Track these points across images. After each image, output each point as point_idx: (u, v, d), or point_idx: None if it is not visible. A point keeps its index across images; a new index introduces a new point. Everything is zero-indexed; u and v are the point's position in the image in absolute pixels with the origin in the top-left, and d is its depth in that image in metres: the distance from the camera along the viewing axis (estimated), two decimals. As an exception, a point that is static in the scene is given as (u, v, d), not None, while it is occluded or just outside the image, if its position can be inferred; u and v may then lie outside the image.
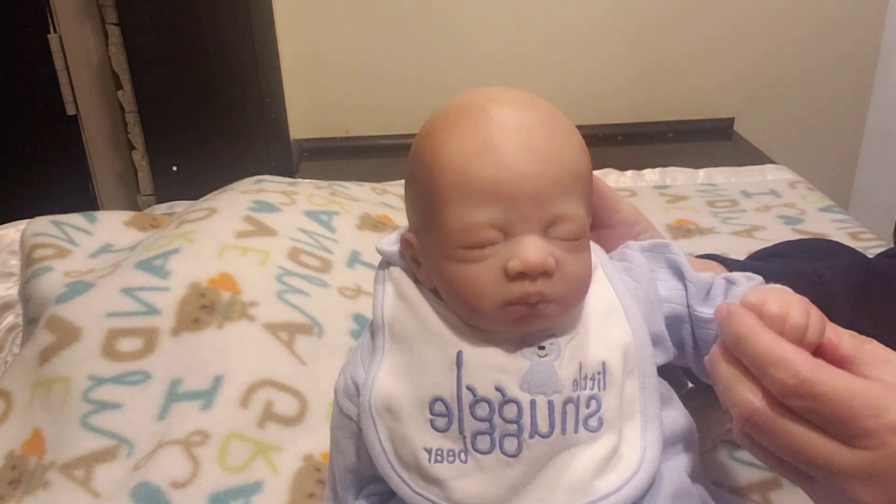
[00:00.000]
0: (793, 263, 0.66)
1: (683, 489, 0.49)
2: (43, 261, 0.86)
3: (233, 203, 0.95)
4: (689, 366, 0.54)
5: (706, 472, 0.56)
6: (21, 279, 0.91)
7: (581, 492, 0.46)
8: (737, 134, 1.85)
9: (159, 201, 1.48)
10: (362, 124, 1.82)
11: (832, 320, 0.45)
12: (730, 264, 0.62)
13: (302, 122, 1.80)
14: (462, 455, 0.46)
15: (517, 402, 0.46)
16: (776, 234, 1.11)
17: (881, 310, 0.61)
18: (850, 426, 0.39)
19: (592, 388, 0.47)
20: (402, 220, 1.02)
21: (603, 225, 0.61)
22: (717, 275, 0.53)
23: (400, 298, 0.51)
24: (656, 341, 0.51)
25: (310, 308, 0.81)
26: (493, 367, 0.46)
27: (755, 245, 0.90)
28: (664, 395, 0.51)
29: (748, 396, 0.42)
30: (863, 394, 0.39)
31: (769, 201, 1.26)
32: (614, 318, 0.50)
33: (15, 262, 0.99)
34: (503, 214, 0.45)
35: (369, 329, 0.53)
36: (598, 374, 0.48)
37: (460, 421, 0.46)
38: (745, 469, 0.64)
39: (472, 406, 0.46)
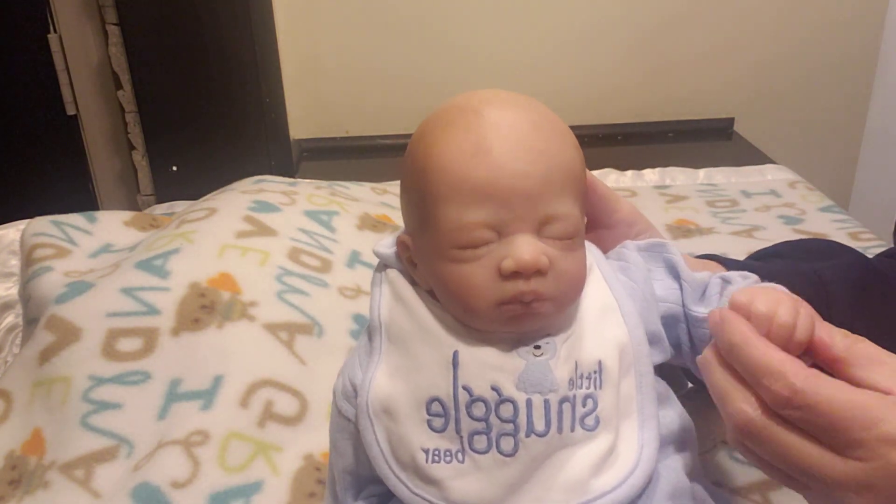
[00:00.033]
0: (793, 264, 0.66)
1: (681, 488, 0.49)
2: (43, 261, 0.86)
3: (233, 203, 0.95)
4: (687, 365, 0.55)
5: (706, 472, 0.56)
6: (21, 279, 0.91)
7: (578, 491, 0.46)
8: (737, 134, 1.85)
9: (159, 201, 1.48)
10: (362, 124, 1.82)
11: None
12: (729, 265, 0.62)
13: (302, 122, 1.80)
14: (459, 455, 0.46)
15: (513, 402, 0.46)
16: (776, 234, 1.11)
17: (881, 310, 0.61)
18: (844, 437, 0.39)
19: (589, 387, 0.47)
20: (401, 220, 1.02)
21: (602, 225, 0.61)
22: (713, 274, 0.53)
23: (396, 300, 0.51)
24: (653, 340, 0.51)
25: (310, 308, 0.81)
26: (489, 367, 0.47)
27: (755, 245, 0.90)
28: (662, 395, 0.51)
29: (742, 406, 0.42)
30: (856, 405, 0.39)
31: (769, 201, 1.26)
32: (610, 317, 0.50)
33: (15, 262, 0.99)
34: (497, 214, 0.45)
35: (367, 331, 0.53)
36: (595, 372, 0.48)
37: (457, 421, 0.46)
38: (745, 469, 0.64)
39: (468, 406, 0.46)
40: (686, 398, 0.54)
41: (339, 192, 1.09)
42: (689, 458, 0.51)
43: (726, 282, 0.52)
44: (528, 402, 0.46)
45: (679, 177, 1.40)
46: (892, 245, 0.86)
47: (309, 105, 1.81)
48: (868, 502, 0.38)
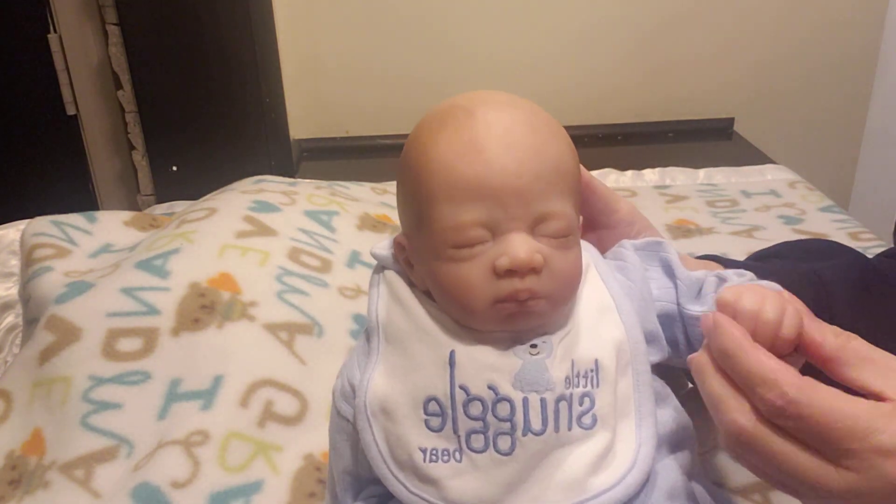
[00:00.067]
0: (792, 264, 0.66)
1: (679, 488, 0.49)
2: (43, 261, 0.86)
3: (233, 203, 0.95)
4: (684, 364, 0.55)
5: (706, 472, 0.56)
6: (21, 279, 0.91)
7: (576, 489, 0.46)
8: (737, 134, 1.85)
9: (159, 201, 1.48)
10: (362, 124, 1.82)
11: (833, 320, 0.45)
12: (730, 265, 0.62)
13: (302, 122, 1.80)
14: (457, 454, 0.47)
15: (510, 401, 0.46)
16: (776, 234, 1.11)
17: (881, 310, 0.61)
18: (836, 447, 0.39)
19: (585, 386, 0.47)
20: (402, 220, 1.02)
21: (602, 225, 0.61)
22: (709, 272, 0.53)
23: (394, 301, 0.52)
24: (650, 339, 0.51)
25: (310, 308, 0.81)
26: (485, 366, 0.47)
27: (755, 245, 0.90)
28: (661, 394, 0.51)
29: (735, 416, 0.41)
30: (848, 416, 0.39)
31: (769, 201, 1.26)
32: (607, 316, 0.50)
33: (15, 262, 0.99)
34: (490, 213, 0.46)
35: (365, 332, 0.53)
36: (591, 371, 0.48)
37: (454, 420, 0.47)
38: (745, 469, 0.64)
39: (465, 405, 0.46)
40: (686, 398, 0.54)
41: (339, 192, 1.09)
42: (688, 458, 0.51)
43: (722, 280, 0.52)
44: (525, 401, 0.46)
45: (679, 177, 1.40)
46: (892, 245, 0.86)
47: (309, 105, 1.81)
48: None
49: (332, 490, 0.55)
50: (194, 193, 1.12)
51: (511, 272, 0.45)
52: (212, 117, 1.61)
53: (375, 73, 1.79)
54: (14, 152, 1.66)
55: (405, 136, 0.51)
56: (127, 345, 0.74)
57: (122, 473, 0.65)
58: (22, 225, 1.01)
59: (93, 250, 0.91)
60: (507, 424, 0.46)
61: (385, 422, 0.49)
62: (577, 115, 1.78)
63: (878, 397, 0.41)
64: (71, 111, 1.65)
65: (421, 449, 0.47)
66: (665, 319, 0.53)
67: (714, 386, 0.43)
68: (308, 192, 1.03)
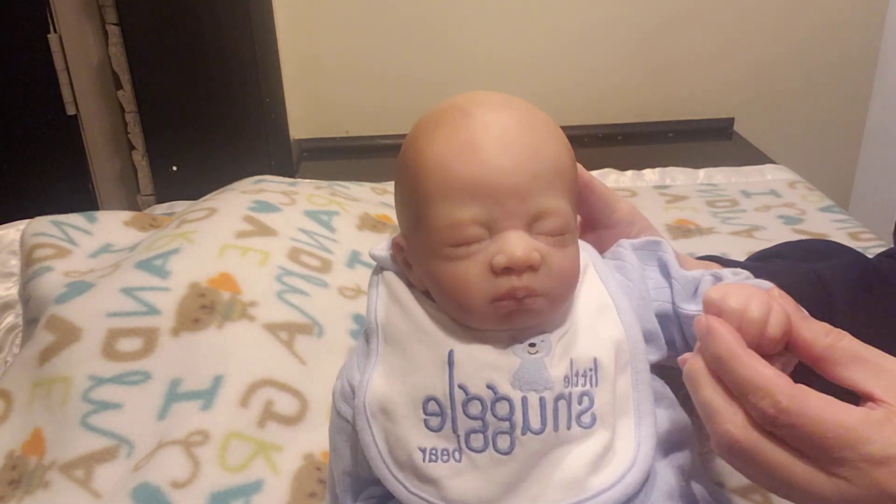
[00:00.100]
0: (793, 264, 0.66)
1: (679, 487, 0.49)
2: (43, 261, 0.86)
3: (233, 203, 0.95)
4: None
5: (706, 472, 0.56)
6: (21, 279, 0.91)
7: (575, 488, 0.46)
8: (737, 134, 1.85)
9: (159, 201, 1.48)
10: (362, 124, 1.82)
11: (833, 321, 0.45)
12: (730, 265, 0.62)
13: (302, 122, 1.80)
14: (456, 454, 0.47)
15: (509, 400, 0.46)
16: (776, 234, 1.11)
17: (882, 310, 0.61)
18: (829, 455, 0.39)
19: (584, 385, 0.47)
20: (402, 220, 1.02)
21: (601, 225, 0.61)
22: (705, 271, 0.53)
23: (393, 301, 0.52)
24: (649, 338, 0.51)
25: (310, 308, 0.81)
26: (484, 365, 0.47)
27: (755, 245, 0.90)
28: (661, 394, 0.51)
29: (728, 427, 0.41)
30: (840, 425, 0.39)
31: (769, 201, 1.26)
32: (606, 315, 0.50)
33: (15, 262, 0.99)
34: (487, 211, 0.46)
35: (364, 333, 0.53)
36: (590, 370, 0.48)
37: (453, 420, 0.47)
38: (745, 469, 0.64)
39: (464, 404, 0.46)
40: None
41: (339, 192, 1.09)
42: (688, 458, 0.51)
43: (718, 279, 0.52)
44: (524, 400, 0.46)
45: (679, 177, 1.40)
46: (892, 245, 0.86)
47: (309, 105, 1.81)
48: None
49: (333, 491, 0.55)
50: (194, 193, 1.12)
51: (508, 270, 0.45)
52: (212, 117, 1.61)
53: (375, 73, 1.79)
54: (14, 152, 1.66)
55: (405, 136, 0.52)
56: (127, 345, 0.74)
57: (122, 473, 0.65)
58: (22, 225, 1.01)
59: (93, 250, 0.91)
60: (507, 423, 0.46)
61: (384, 422, 0.49)
62: (577, 115, 1.78)
63: (868, 397, 0.41)
64: (71, 111, 1.65)
65: (420, 449, 0.47)
66: (662, 319, 0.53)
67: (707, 394, 0.43)
68: (308, 192, 1.03)
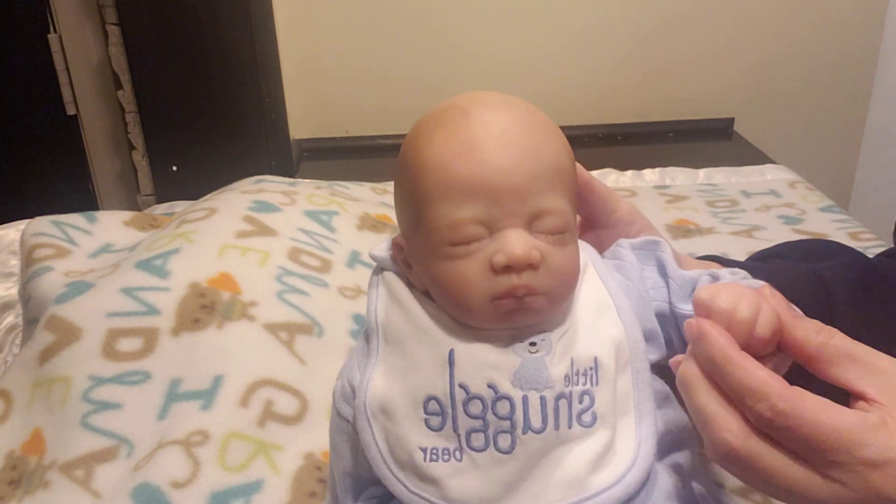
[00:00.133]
0: (793, 264, 0.66)
1: (679, 487, 0.49)
2: (43, 261, 0.86)
3: (233, 203, 0.95)
4: None
5: (706, 472, 0.56)
6: (21, 279, 0.91)
7: (576, 488, 0.46)
8: (737, 134, 1.85)
9: (159, 201, 1.48)
10: (362, 124, 1.82)
11: (833, 320, 0.45)
12: (730, 265, 0.62)
13: (302, 122, 1.80)
14: (457, 453, 0.47)
15: (509, 399, 0.46)
16: (776, 234, 1.11)
17: (882, 309, 0.61)
18: (824, 458, 0.39)
19: (585, 384, 0.47)
20: (402, 220, 1.02)
21: (601, 224, 0.61)
22: (703, 271, 0.53)
23: (393, 301, 0.52)
24: (649, 338, 0.51)
25: (310, 308, 0.81)
26: (484, 364, 0.47)
27: (755, 245, 0.90)
28: (661, 394, 0.51)
29: (724, 435, 0.41)
30: (836, 428, 0.39)
31: (769, 201, 1.26)
32: (606, 314, 0.50)
33: (15, 262, 0.99)
34: (487, 210, 0.46)
35: (364, 333, 0.53)
36: (590, 369, 0.48)
37: (454, 419, 0.47)
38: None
39: (465, 404, 0.46)
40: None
41: (339, 192, 1.09)
42: (688, 457, 0.51)
43: (715, 279, 0.52)
44: (525, 399, 0.46)
45: (679, 177, 1.40)
46: (892, 245, 0.86)
47: (309, 105, 1.81)
48: None
49: (333, 491, 0.55)
50: (194, 193, 1.12)
51: (508, 268, 0.45)
52: (212, 117, 1.61)
53: (375, 73, 1.79)
54: (14, 152, 1.66)
55: (405, 136, 0.52)
56: (127, 345, 0.74)
57: (122, 473, 0.65)
58: (22, 225, 1.01)
59: (93, 250, 0.91)
60: (507, 423, 0.46)
61: (385, 422, 0.49)
62: (577, 115, 1.78)
63: (861, 396, 0.41)
64: (71, 111, 1.65)
65: (421, 448, 0.47)
66: (659, 319, 0.53)
67: (701, 400, 0.43)
68: (308, 192, 1.03)
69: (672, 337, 0.53)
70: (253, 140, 1.64)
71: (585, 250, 0.53)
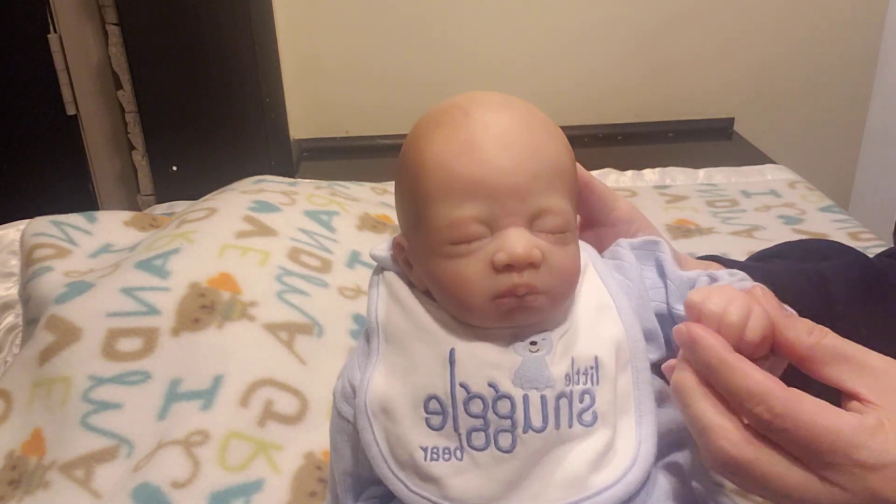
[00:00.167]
0: (793, 264, 0.66)
1: (680, 486, 0.49)
2: (43, 261, 0.86)
3: (233, 203, 0.95)
4: None
5: (707, 472, 0.56)
6: (21, 279, 0.91)
7: (576, 487, 0.46)
8: (737, 134, 1.85)
9: (159, 201, 1.48)
10: (362, 124, 1.82)
11: (834, 320, 0.45)
12: (730, 266, 0.62)
13: (302, 122, 1.80)
14: (458, 452, 0.47)
15: (510, 398, 0.46)
16: (776, 234, 1.12)
17: (882, 310, 0.61)
18: (821, 460, 0.39)
19: (585, 383, 0.47)
20: (402, 220, 1.02)
21: (600, 223, 0.61)
22: (702, 272, 0.53)
23: (393, 301, 0.52)
24: (649, 337, 0.51)
25: (310, 308, 0.81)
26: (485, 363, 0.47)
27: (755, 245, 0.90)
28: (661, 393, 0.51)
29: (722, 444, 0.41)
30: (832, 430, 0.39)
31: (769, 201, 1.27)
32: (606, 314, 0.50)
33: (15, 262, 0.99)
34: (487, 209, 0.46)
35: (365, 333, 0.53)
36: (591, 368, 0.48)
37: (455, 418, 0.47)
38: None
39: (465, 403, 0.46)
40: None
41: (339, 192, 1.09)
42: (689, 457, 0.51)
43: (713, 279, 0.52)
44: (525, 398, 0.46)
45: (679, 177, 1.40)
46: (892, 245, 0.86)
47: (309, 105, 1.81)
48: None
49: (334, 491, 0.55)
50: (194, 193, 1.12)
51: (509, 267, 0.45)
52: (212, 117, 1.61)
53: (375, 73, 1.79)
54: (14, 152, 1.66)
55: (405, 136, 0.52)
56: (127, 345, 0.74)
57: (123, 473, 0.65)
58: (22, 225, 1.01)
59: (93, 250, 0.91)
60: (508, 422, 0.46)
61: (385, 421, 0.49)
62: (577, 115, 1.78)
63: (854, 396, 0.41)
64: (71, 111, 1.65)
65: (422, 448, 0.47)
66: (658, 319, 0.53)
67: (698, 409, 0.42)
68: (308, 192, 1.03)
69: (670, 336, 0.53)
70: (253, 140, 1.64)
71: (585, 250, 0.53)
